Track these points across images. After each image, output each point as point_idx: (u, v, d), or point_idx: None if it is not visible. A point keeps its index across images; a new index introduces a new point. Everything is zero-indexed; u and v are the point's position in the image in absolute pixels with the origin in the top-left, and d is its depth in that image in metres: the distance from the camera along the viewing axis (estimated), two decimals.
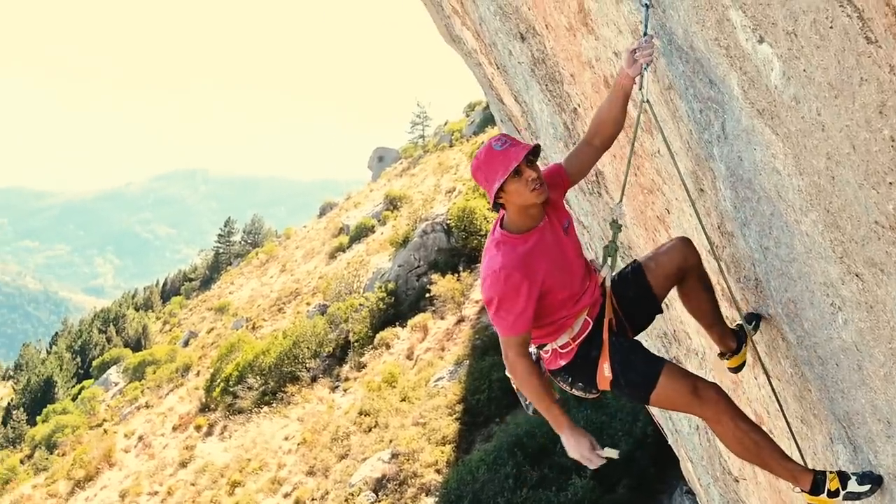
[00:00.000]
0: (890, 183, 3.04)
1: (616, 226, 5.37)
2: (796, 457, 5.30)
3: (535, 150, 4.81)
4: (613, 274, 5.23)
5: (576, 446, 4.78)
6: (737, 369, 5.87)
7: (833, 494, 4.84)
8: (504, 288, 4.65)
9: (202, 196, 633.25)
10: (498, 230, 4.89)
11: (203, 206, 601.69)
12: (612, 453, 4.79)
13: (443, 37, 15.58)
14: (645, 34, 4.74)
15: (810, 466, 5.32)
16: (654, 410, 12.26)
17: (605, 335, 4.97)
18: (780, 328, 5.26)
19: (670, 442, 12.84)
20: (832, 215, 3.70)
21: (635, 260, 5.64)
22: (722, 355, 5.88)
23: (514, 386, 5.00)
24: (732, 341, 5.74)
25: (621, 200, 5.43)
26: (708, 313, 5.77)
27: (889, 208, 3.13)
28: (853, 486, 4.77)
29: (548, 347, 5.06)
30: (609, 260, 5.24)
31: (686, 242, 5.56)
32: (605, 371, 4.93)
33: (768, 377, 5.59)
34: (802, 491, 4.99)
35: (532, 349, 5.11)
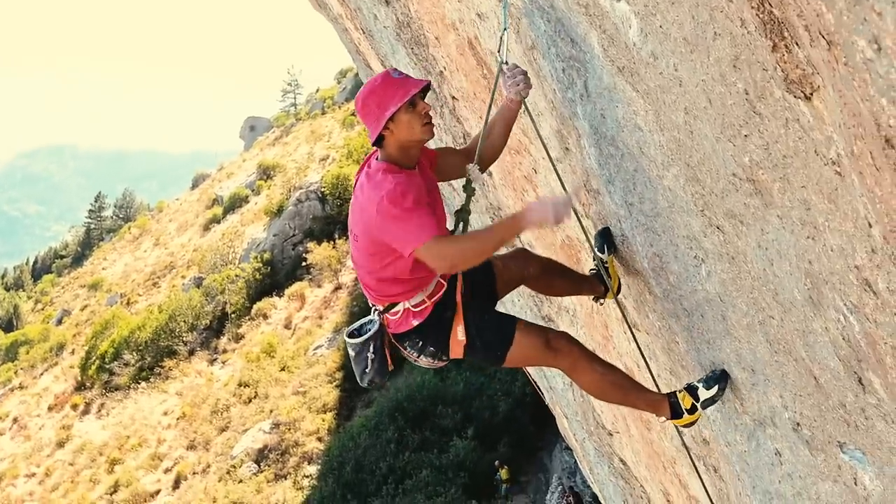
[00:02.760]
0: (745, 136, 3.08)
1: (469, 188, 5.24)
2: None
3: (427, 88, 4.74)
4: None
5: (556, 203, 4.30)
6: (618, 292, 5.89)
7: (692, 410, 4.96)
8: (406, 201, 4.38)
9: (71, 172, 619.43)
10: (376, 162, 4.70)
11: (72, 182, 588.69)
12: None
13: (310, 3, 15.42)
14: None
15: (663, 391, 5.43)
16: (531, 369, 12.38)
17: (459, 297, 4.91)
18: (647, 282, 5.33)
19: (546, 400, 13.00)
20: (692, 169, 3.75)
21: None
22: (596, 300, 5.93)
23: (477, 260, 4.54)
24: (598, 284, 5.80)
25: (475, 161, 5.34)
26: (565, 288, 5.95)
27: (745, 160, 3.17)
28: (703, 393, 4.87)
29: (398, 308, 4.86)
30: (461, 224, 5.19)
31: (524, 255, 5.71)
32: (458, 335, 4.84)
33: (631, 332, 5.67)
34: (668, 419, 5.11)
35: (376, 315, 4.96)
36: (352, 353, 5.02)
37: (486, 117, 5.05)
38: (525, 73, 4.80)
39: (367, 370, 4.97)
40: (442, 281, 4.87)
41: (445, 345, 4.91)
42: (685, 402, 4.93)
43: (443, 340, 4.90)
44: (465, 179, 5.21)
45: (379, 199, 4.41)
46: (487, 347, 4.92)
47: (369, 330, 4.93)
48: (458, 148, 5.40)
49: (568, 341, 4.95)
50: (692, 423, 5.11)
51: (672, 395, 5.03)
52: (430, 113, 4.67)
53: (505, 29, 4.69)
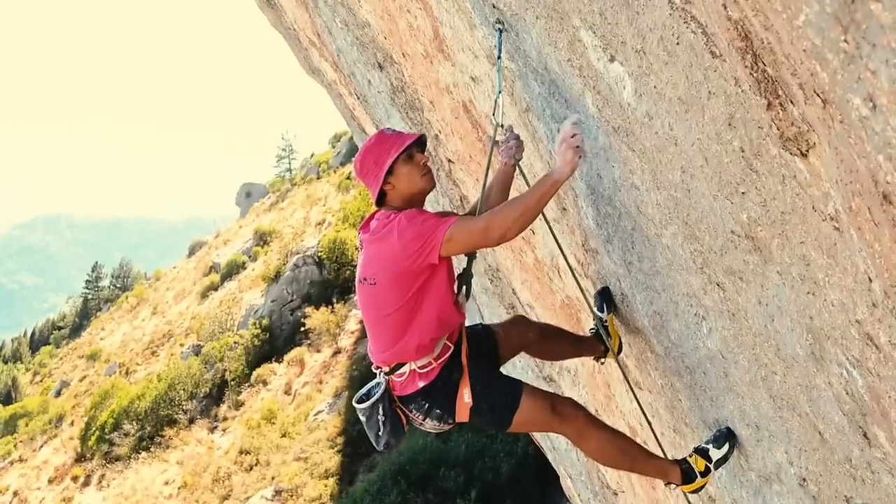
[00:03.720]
0: (742, 193, 3.09)
1: (472, 252, 5.29)
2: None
3: (422, 140, 4.84)
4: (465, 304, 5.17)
5: (566, 140, 4.29)
6: (619, 352, 5.88)
7: (705, 472, 4.94)
8: (424, 214, 4.56)
9: (68, 242, 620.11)
10: (382, 212, 4.77)
11: (69, 253, 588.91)
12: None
13: (304, 69, 15.52)
14: (499, 57, 4.74)
15: (667, 450, 5.41)
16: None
17: (464, 360, 4.89)
18: (648, 340, 5.32)
19: (550, 459, 12.91)
20: (690, 227, 3.76)
21: (481, 323, 5.71)
22: (597, 359, 5.93)
23: (526, 222, 4.48)
24: (599, 344, 5.80)
25: None
26: (565, 351, 5.97)
27: (743, 217, 3.19)
28: (715, 453, 4.86)
29: (404, 369, 4.85)
30: (464, 288, 5.21)
31: (523, 321, 5.76)
32: (464, 397, 4.81)
33: (632, 391, 5.66)
34: (678, 486, 5.07)
35: (382, 377, 4.95)
36: (363, 419, 5.03)
37: (484, 182, 5.08)
38: (518, 137, 4.85)
39: (380, 433, 4.96)
40: (448, 343, 4.87)
41: (452, 407, 4.87)
42: (698, 465, 4.91)
43: (449, 403, 4.86)
44: None
45: (397, 222, 4.51)
46: (493, 410, 4.89)
47: (376, 393, 4.93)
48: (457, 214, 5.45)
49: (574, 407, 4.95)
50: (701, 488, 5.09)
51: (683, 462, 5.00)
52: (429, 164, 4.77)
53: (499, 92, 4.73)
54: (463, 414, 4.89)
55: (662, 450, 5.60)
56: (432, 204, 9.19)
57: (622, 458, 5.04)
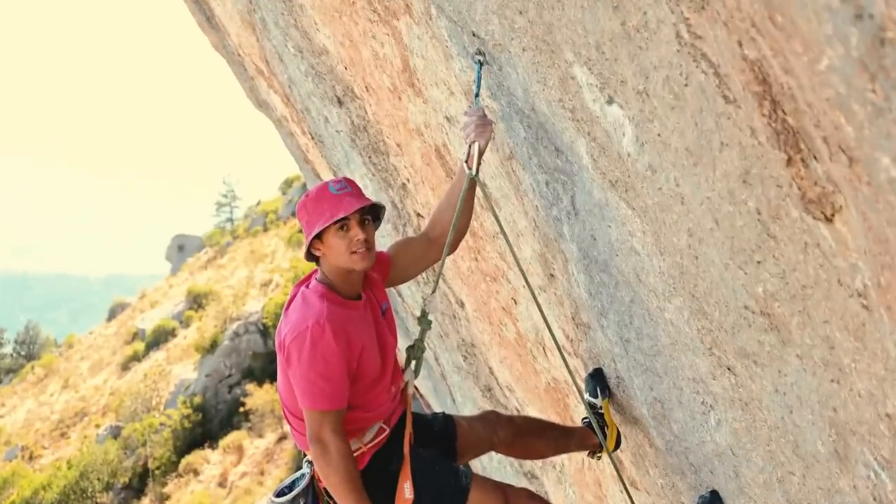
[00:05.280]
0: (758, 262, 3.09)
1: (425, 321, 5.30)
2: None
3: (376, 210, 4.78)
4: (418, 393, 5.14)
5: None
6: (616, 445, 5.83)
7: None
8: (327, 348, 4.39)
9: None
10: (315, 283, 4.72)
11: None
12: None
13: (250, 101, 15.49)
14: (477, 94, 4.73)
15: None
16: None
17: (406, 448, 4.86)
18: (647, 432, 5.30)
19: None
20: (698, 300, 3.76)
21: (443, 412, 5.65)
22: (592, 454, 5.90)
23: (320, 478, 4.64)
24: (591, 437, 5.76)
25: (434, 291, 5.35)
26: (548, 448, 5.94)
27: (758, 291, 3.19)
28: None
29: None
30: (413, 363, 5.18)
31: (493, 418, 5.71)
32: (405, 492, 4.73)
33: (627, 491, 5.63)
34: None
35: (307, 466, 4.93)
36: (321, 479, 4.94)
37: (449, 235, 5.04)
38: (484, 115, 4.77)
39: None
40: (385, 426, 4.84)
41: (390, 502, 4.79)
42: None
43: (386, 498, 4.77)
44: (420, 310, 5.24)
45: (299, 331, 4.46)
46: (438, 502, 4.86)
47: (299, 485, 4.88)
48: (414, 236, 5.44)
49: (529, 497, 4.99)
50: None
51: None
52: (362, 241, 4.61)
53: (477, 94, 4.72)
54: None
55: None
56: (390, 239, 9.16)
57: None
